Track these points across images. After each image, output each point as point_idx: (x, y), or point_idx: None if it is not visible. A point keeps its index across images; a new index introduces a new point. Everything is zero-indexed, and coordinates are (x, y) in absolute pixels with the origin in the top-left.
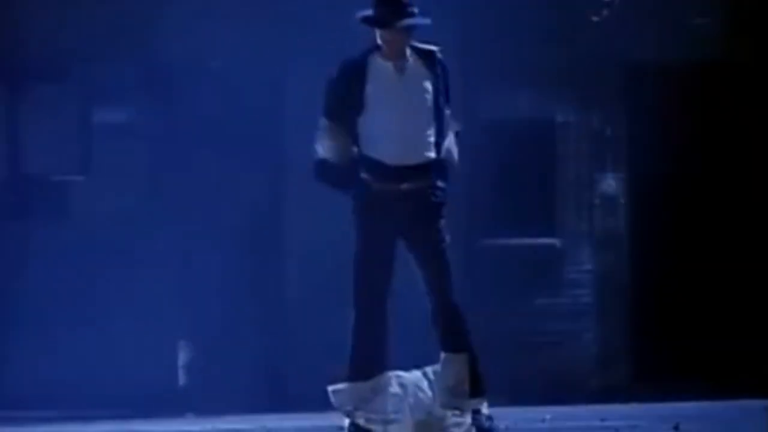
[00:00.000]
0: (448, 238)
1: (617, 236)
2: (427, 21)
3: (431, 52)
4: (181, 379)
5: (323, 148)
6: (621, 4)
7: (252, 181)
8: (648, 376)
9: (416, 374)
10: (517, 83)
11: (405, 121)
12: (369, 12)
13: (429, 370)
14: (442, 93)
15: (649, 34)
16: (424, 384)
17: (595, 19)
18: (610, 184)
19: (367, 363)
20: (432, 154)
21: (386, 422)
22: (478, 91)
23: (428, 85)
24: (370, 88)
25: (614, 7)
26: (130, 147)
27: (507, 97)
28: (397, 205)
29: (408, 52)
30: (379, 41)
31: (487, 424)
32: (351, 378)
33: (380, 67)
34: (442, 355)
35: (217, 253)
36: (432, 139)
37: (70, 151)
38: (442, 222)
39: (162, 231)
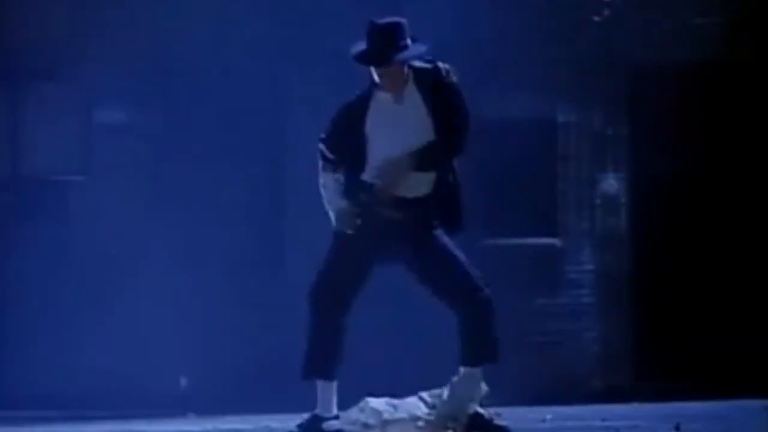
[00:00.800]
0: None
1: (618, 236)
2: (421, 50)
3: (428, 70)
4: (183, 378)
5: (322, 184)
6: (623, 3)
7: (255, 181)
8: (649, 376)
9: (410, 399)
10: (517, 82)
11: (403, 152)
12: (362, 46)
13: (425, 394)
14: (444, 109)
15: (651, 33)
16: (420, 405)
17: (596, 18)
18: (612, 183)
19: (323, 361)
20: (428, 187)
21: (384, 423)
22: (478, 90)
23: (427, 109)
24: (369, 125)
25: (616, 6)
26: (130, 147)
27: (508, 97)
28: (389, 226)
29: (407, 75)
30: (375, 77)
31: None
32: (304, 375)
33: (380, 100)
34: (461, 369)
35: (219, 252)
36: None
37: (70, 150)
38: (440, 234)
39: (165, 230)
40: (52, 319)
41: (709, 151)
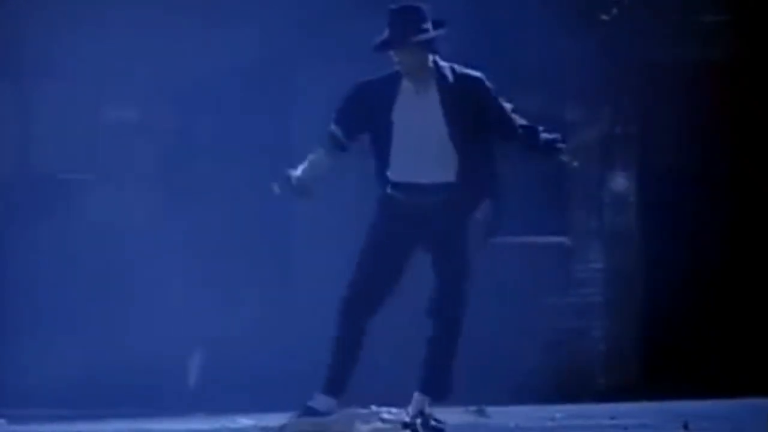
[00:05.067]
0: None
1: (627, 234)
2: (438, 32)
3: (461, 73)
4: (192, 378)
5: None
6: (632, 1)
7: (264, 179)
8: (658, 374)
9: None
10: (526, 80)
11: (421, 141)
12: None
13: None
14: (472, 111)
15: (660, 31)
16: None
17: (604, 17)
18: (620, 182)
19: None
20: (449, 176)
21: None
22: None
23: (443, 112)
24: (395, 113)
25: (625, 4)
26: (139, 146)
27: (516, 95)
28: (415, 217)
29: (435, 70)
30: (396, 65)
31: (432, 424)
32: (324, 390)
33: (404, 89)
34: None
35: (229, 250)
36: (451, 159)
37: (78, 149)
38: (459, 237)
39: (174, 229)
40: (60, 317)
41: (718, 149)
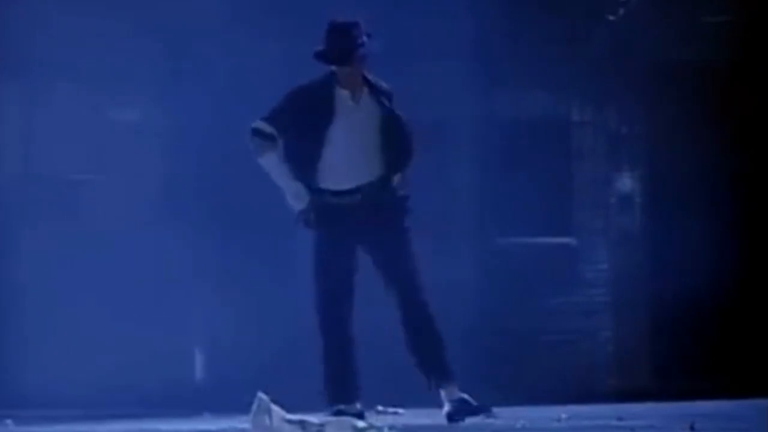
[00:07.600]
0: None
1: (633, 235)
2: (376, 46)
3: (387, 90)
4: (198, 378)
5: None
6: (639, 2)
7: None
8: (664, 375)
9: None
10: (532, 81)
11: (358, 147)
12: (322, 46)
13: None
14: (393, 124)
15: (667, 32)
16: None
17: (611, 18)
18: (626, 182)
19: (343, 385)
20: (372, 175)
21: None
22: (493, 88)
23: (380, 120)
24: (333, 125)
25: (632, 5)
26: (141, 147)
27: (522, 95)
28: (353, 216)
29: (364, 80)
30: (336, 72)
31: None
32: (330, 400)
33: (341, 99)
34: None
35: (231, 251)
36: (383, 163)
37: (82, 149)
38: (402, 230)
39: (177, 228)
40: (64, 317)
41: (725, 149)
